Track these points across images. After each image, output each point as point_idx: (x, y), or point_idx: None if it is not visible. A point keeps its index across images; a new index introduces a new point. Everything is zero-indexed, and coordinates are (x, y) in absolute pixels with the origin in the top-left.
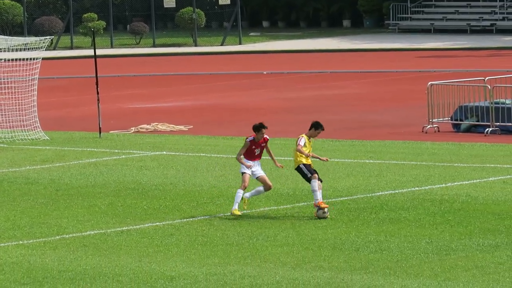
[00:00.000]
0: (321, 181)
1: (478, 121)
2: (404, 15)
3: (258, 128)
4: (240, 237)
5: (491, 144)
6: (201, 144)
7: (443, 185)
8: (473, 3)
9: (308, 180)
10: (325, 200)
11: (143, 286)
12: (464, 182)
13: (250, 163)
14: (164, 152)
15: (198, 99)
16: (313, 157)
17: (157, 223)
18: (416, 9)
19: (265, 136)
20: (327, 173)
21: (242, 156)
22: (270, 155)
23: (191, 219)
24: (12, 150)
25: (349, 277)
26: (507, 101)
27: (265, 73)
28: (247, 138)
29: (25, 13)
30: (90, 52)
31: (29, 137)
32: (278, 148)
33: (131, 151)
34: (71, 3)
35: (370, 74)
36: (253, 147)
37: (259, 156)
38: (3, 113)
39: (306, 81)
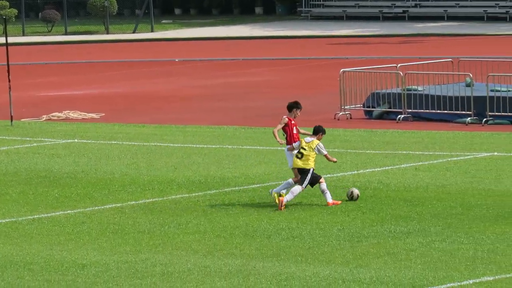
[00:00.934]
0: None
1: (390, 108)
2: (316, 2)
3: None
4: (151, 224)
5: (403, 131)
6: (113, 132)
7: (355, 172)
8: None
9: (306, 185)
10: (236, 188)
11: (55, 274)
12: (376, 169)
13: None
14: (76, 140)
15: (110, 87)
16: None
17: (68, 211)
18: None
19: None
20: (239, 160)
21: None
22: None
23: (102, 207)
24: None
25: (261, 264)
26: (419, 88)
27: (177, 60)
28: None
29: None
30: (2, 40)
31: None
32: (191, 136)
33: (42, 139)
34: None
35: (282, 61)
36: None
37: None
38: None
39: (218, 68)
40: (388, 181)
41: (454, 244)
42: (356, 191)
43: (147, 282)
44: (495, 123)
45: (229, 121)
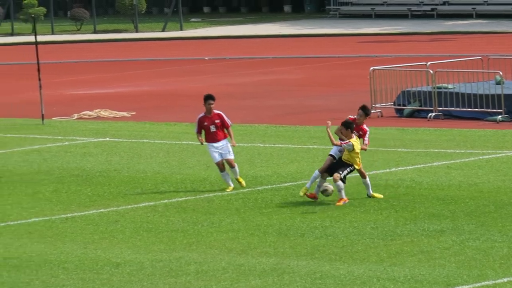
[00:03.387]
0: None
1: (421, 106)
2: (345, 0)
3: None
4: (185, 223)
5: (434, 129)
6: (144, 130)
7: (387, 170)
8: None
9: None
10: (269, 186)
11: (89, 273)
12: (408, 167)
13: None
14: (108, 139)
15: (140, 85)
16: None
17: (101, 210)
18: None
19: (214, 111)
20: (271, 158)
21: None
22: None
23: (135, 206)
24: None
25: (295, 263)
26: (449, 86)
27: (206, 58)
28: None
29: None
30: (31, 38)
31: None
32: None
33: (74, 137)
34: None
35: (311, 60)
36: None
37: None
38: None
39: (247, 66)
40: (421, 180)
41: (488, 243)
42: (330, 188)
43: (181, 280)
44: None
45: (259, 120)
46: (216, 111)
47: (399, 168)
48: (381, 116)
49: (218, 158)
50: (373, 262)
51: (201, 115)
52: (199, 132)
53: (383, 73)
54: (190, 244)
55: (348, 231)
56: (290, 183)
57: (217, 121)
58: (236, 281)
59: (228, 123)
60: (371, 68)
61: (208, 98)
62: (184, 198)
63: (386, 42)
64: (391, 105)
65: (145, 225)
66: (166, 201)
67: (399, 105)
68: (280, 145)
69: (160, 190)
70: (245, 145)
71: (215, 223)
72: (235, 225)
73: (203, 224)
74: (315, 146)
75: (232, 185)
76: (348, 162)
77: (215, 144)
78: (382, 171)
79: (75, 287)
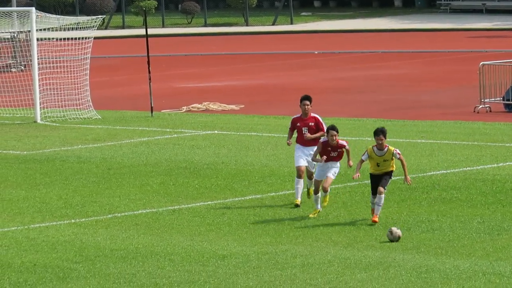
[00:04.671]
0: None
1: None
2: None
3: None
4: (291, 216)
5: None
6: (253, 124)
7: (495, 165)
8: None
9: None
10: None
11: (195, 264)
12: None
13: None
14: (216, 131)
15: (249, 79)
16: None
17: (209, 202)
18: None
19: (311, 114)
20: None
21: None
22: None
23: (242, 198)
24: (64, 129)
25: (401, 256)
26: None
27: (316, 52)
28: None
29: None
30: (142, 31)
31: (81, 116)
32: None
33: (182, 130)
34: None
35: (421, 54)
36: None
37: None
38: (56, 92)
39: (357, 61)
40: None
41: None
42: (396, 233)
43: (287, 273)
44: None
45: (368, 114)
46: (312, 114)
47: (507, 163)
48: (490, 111)
49: (301, 163)
50: (479, 256)
51: (296, 116)
52: (291, 130)
53: (493, 68)
54: (296, 237)
55: (455, 225)
56: (397, 177)
57: (311, 123)
58: (342, 274)
59: (324, 127)
60: (481, 63)
61: (304, 99)
62: (291, 191)
63: (497, 37)
64: (500, 100)
65: (252, 218)
66: (273, 194)
67: (508, 100)
68: (388, 139)
69: (267, 182)
70: (353, 138)
71: (321, 216)
72: (341, 218)
73: (309, 217)
74: (423, 141)
75: (299, 200)
76: (387, 170)
77: (303, 148)
78: (490, 166)
79: (181, 279)
